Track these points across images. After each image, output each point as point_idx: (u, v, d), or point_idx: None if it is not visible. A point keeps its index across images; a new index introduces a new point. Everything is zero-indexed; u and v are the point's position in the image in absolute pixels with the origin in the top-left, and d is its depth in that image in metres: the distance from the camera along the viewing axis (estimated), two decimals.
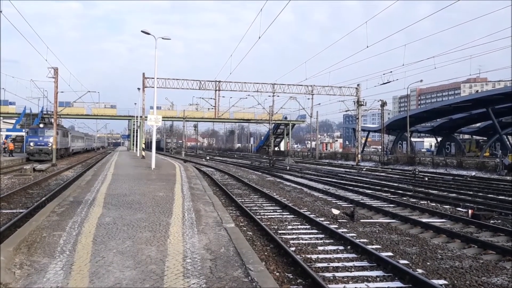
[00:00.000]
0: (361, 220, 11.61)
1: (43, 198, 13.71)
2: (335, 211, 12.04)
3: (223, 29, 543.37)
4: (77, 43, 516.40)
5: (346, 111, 54.78)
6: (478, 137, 70.30)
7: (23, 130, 47.57)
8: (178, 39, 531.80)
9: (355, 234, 9.78)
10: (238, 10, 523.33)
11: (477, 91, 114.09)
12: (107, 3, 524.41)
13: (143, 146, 40.59)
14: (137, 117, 55.47)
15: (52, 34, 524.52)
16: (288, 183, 22.22)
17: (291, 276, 6.63)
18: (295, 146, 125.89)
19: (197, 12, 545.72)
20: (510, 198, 16.27)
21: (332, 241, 9.08)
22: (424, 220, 11.53)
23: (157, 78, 29.47)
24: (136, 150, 54.44)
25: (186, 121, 72.66)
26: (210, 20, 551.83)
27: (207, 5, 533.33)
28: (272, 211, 13.04)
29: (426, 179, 24.99)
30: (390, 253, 8.15)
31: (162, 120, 44.69)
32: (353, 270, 7.10)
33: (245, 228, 10.11)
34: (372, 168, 38.24)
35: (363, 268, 7.19)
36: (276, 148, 78.65)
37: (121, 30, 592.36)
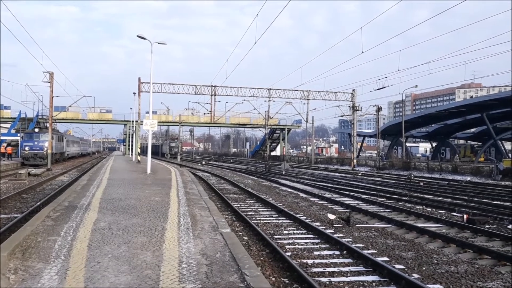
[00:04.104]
0: (357, 225, 11.62)
1: (38, 203, 13.61)
2: (331, 216, 12.04)
3: (222, 34, 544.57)
4: (75, 47, 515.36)
5: (342, 116, 54.99)
6: (473, 142, 70.64)
7: (18, 134, 47.38)
8: (177, 43, 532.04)
9: (351, 239, 9.78)
10: (237, 14, 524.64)
11: (471, 97, 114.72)
12: (105, 7, 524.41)
13: (139, 150, 40.47)
14: (132, 121, 55.39)
15: (49, 38, 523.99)
16: (284, 188, 22.22)
17: (287, 281, 6.62)
18: (291, 151, 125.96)
19: (196, 17, 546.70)
20: (505, 203, 16.34)
21: (328, 246, 9.08)
22: (419, 225, 11.56)
23: (153, 83, 29.47)
24: (132, 154, 54.29)
25: (182, 125, 72.50)
26: (209, 24, 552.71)
27: (206, 9, 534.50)
28: (268, 216, 13.03)
29: (422, 184, 25.06)
30: (386, 258, 8.16)
31: (158, 125, 44.66)
32: (349, 275, 7.09)
33: (241, 233, 10.09)
34: (368, 173, 38.32)
35: (359, 273, 7.19)
36: (272, 153, 78.63)
37: (119, 34, 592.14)
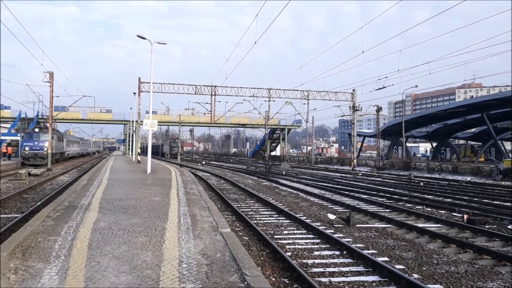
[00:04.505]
0: (357, 225, 11.61)
1: (38, 203, 13.62)
2: (331, 216, 12.04)
3: (221, 34, 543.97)
4: (74, 47, 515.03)
5: (342, 116, 55.04)
6: (473, 142, 70.65)
7: (18, 134, 47.42)
8: (176, 43, 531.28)
9: (351, 239, 9.78)
10: (237, 15, 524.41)
11: (471, 97, 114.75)
12: (104, 7, 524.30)
13: (139, 150, 40.47)
14: (132, 121, 55.39)
15: (49, 38, 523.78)
16: (284, 188, 22.22)
17: (287, 281, 6.62)
18: (291, 151, 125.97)
19: (196, 17, 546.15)
20: (505, 203, 16.34)
21: (328, 246, 9.08)
22: (419, 225, 11.56)
23: (153, 83, 29.47)
24: (132, 154, 54.27)
25: (182, 125, 72.48)
26: (208, 25, 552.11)
27: (206, 9, 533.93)
28: (268, 216, 13.03)
29: (422, 184, 25.06)
30: (386, 258, 8.16)
31: (158, 125, 44.66)
32: (349, 275, 7.10)
33: (241, 233, 10.09)
34: (368, 173, 38.31)
35: (359, 273, 7.19)
36: (272, 153, 78.58)
37: (119, 35, 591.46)
